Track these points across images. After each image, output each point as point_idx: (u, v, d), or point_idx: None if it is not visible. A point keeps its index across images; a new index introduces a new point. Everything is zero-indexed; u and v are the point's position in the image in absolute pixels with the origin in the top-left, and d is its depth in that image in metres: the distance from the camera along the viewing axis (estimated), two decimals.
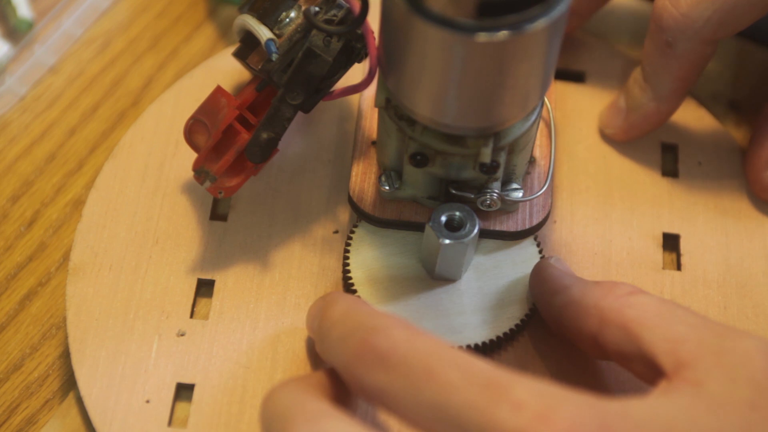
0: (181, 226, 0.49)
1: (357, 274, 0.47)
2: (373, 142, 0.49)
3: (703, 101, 0.55)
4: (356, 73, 0.49)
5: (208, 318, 0.47)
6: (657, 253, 0.50)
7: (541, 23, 0.38)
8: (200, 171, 0.46)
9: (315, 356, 0.46)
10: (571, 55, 0.55)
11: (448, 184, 0.46)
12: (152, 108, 0.53)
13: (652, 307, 0.39)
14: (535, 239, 0.48)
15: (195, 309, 0.48)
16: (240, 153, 0.46)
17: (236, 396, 0.45)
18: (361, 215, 0.48)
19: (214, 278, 0.48)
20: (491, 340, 0.46)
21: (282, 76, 0.44)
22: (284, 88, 0.44)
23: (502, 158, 0.44)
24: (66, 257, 0.50)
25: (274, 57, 0.44)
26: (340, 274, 0.48)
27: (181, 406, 0.45)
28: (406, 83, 0.42)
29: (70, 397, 0.46)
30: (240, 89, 0.49)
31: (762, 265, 0.49)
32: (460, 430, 0.34)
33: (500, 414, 0.34)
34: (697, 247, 0.50)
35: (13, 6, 0.56)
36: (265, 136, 0.45)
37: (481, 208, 0.46)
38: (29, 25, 0.56)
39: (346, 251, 0.47)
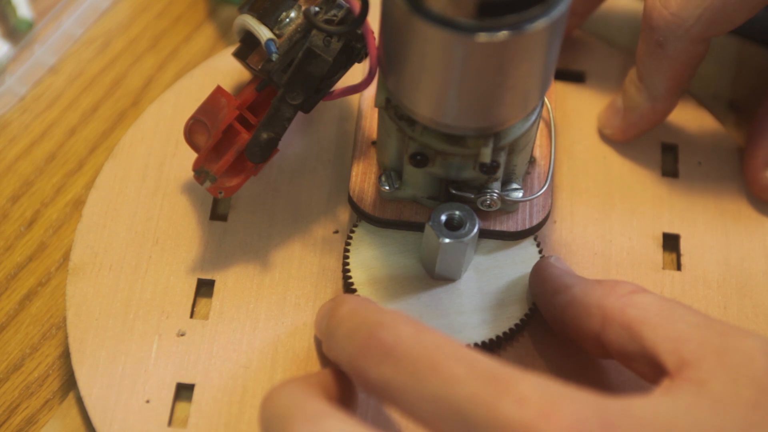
0: (181, 226, 0.49)
1: (357, 274, 0.47)
2: (373, 142, 0.49)
3: (703, 101, 0.55)
4: (356, 73, 0.49)
5: (208, 318, 0.47)
6: (657, 253, 0.50)
7: (541, 23, 0.38)
8: (200, 171, 0.46)
9: (315, 356, 0.46)
10: (571, 55, 0.55)
11: (448, 184, 0.46)
12: (152, 108, 0.53)
13: (654, 306, 0.39)
14: (535, 239, 0.48)
15: (195, 309, 0.48)
16: (240, 153, 0.46)
17: (236, 396, 0.45)
18: (361, 215, 0.48)
19: (214, 278, 0.48)
20: (491, 340, 0.46)
21: (282, 76, 0.44)
22: (284, 88, 0.44)
23: (502, 158, 0.44)
24: (66, 257, 0.50)
25: (274, 57, 0.44)
26: (340, 274, 0.48)
27: (181, 406, 0.45)
28: (406, 83, 0.42)
29: (70, 397, 0.46)
30: (240, 89, 0.49)
31: (762, 265, 0.49)
32: (463, 423, 0.34)
33: (504, 408, 0.34)
34: (697, 247, 0.50)
35: (13, 6, 0.56)
36: (265, 136, 0.45)
37: (481, 208, 0.46)
38: (29, 25, 0.56)
39: (346, 251, 0.47)
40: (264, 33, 0.45)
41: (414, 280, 0.47)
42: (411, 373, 0.35)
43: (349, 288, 0.47)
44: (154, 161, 0.51)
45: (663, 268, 0.49)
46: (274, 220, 0.50)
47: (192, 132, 0.47)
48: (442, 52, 0.39)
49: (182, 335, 0.46)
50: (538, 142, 0.49)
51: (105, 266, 0.48)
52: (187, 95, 0.53)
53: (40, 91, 0.55)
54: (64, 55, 0.56)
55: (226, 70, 0.54)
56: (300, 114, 0.46)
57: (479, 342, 0.45)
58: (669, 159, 0.53)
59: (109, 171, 0.51)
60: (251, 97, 0.46)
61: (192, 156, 0.47)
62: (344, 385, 0.41)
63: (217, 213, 0.50)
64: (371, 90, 0.50)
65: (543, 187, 0.48)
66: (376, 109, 0.48)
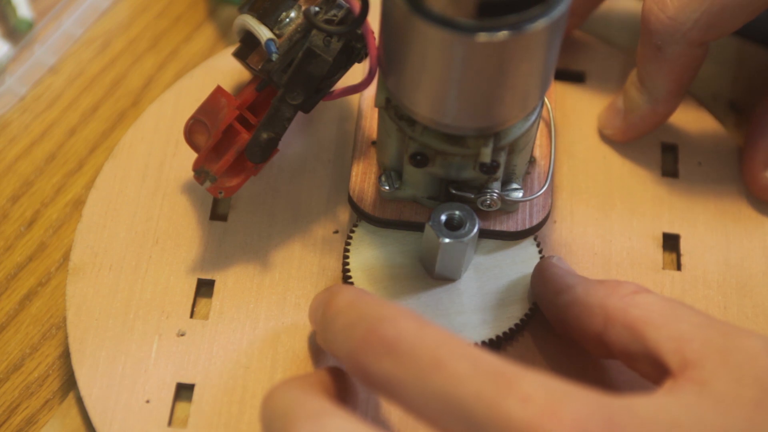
0: (181, 226, 0.49)
1: (357, 274, 0.47)
2: (373, 142, 0.49)
3: (703, 101, 0.55)
4: (356, 73, 0.49)
5: (208, 318, 0.47)
6: (657, 253, 0.50)
7: (541, 23, 0.38)
8: (200, 171, 0.46)
9: (315, 355, 0.46)
10: (571, 55, 0.55)
11: (448, 184, 0.46)
12: (152, 108, 0.53)
13: (657, 306, 0.39)
14: (535, 239, 0.48)
15: (195, 309, 0.48)
16: (240, 153, 0.46)
17: (236, 396, 0.45)
18: (361, 215, 0.48)
19: (214, 278, 0.48)
20: (491, 340, 0.46)
21: (282, 76, 0.44)
22: (284, 88, 0.44)
23: (502, 158, 0.44)
24: (66, 257, 0.50)
25: (274, 57, 0.44)
26: (340, 274, 0.48)
27: (181, 406, 0.45)
28: (406, 83, 0.42)
29: (70, 397, 0.46)
30: (240, 89, 0.49)
31: (762, 264, 0.49)
32: (466, 421, 0.34)
33: (507, 406, 0.34)
34: (697, 247, 0.50)
35: (13, 6, 0.56)
36: (265, 136, 0.45)
37: (481, 208, 0.46)
38: (29, 25, 0.56)
39: (346, 251, 0.47)
40: (264, 33, 0.45)
41: (414, 279, 0.47)
42: (414, 370, 0.35)
43: None
44: (154, 161, 0.51)
45: (663, 268, 0.49)
46: (274, 220, 0.50)
47: (192, 132, 0.47)
48: (442, 52, 0.39)
49: (182, 335, 0.46)
50: (538, 142, 0.49)
51: (105, 266, 0.48)
52: (187, 95, 0.53)
53: (40, 91, 0.55)
54: (64, 55, 0.56)
55: (226, 70, 0.54)
56: (300, 114, 0.46)
57: (479, 342, 0.45)
58: (669, 159, 0.53)
59: (109, 171, 0.51)
60: (251, 97, 0.46)
61: (192, 156, 0.47)
62: (344, 383, 0.41)
63: (217, 213, 0.50)
64: (371, 90, 0.50)
65: (543, 187, 0.48)
66: (376, 109, 0.48)
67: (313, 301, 0.43)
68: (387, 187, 0.47)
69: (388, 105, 0.45)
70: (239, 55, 0.47)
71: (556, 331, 0.45)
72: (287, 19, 0.45)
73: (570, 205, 0.51)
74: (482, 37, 0.38)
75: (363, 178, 0.48)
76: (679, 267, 0.49)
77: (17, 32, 0.56)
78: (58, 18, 0.57)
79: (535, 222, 0.48)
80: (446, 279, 0.47)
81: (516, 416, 0.33)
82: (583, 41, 0.56)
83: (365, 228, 0.48)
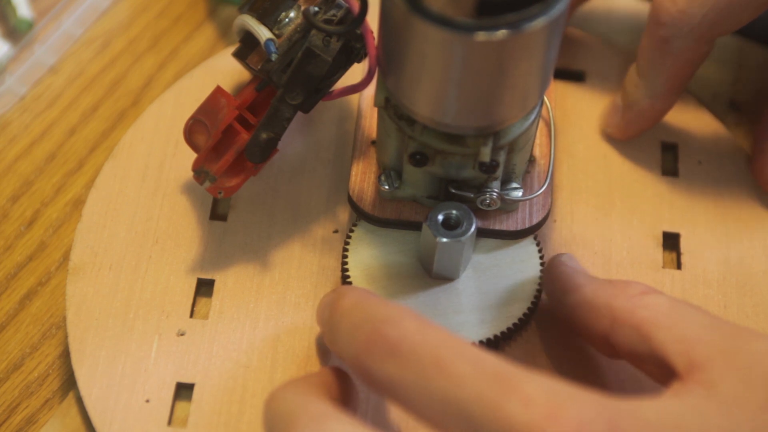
0: (181, 226, 0.49)
1: (355, 273, 0.47)
2: (373, 142, 0.49)
3: (703, 101, 0.55)
4: (356, 72, 0.49)
5: (208, 318, 0.47)
6: (657, 252, 0.50)
7: (540, 22, 0.38)
8: (200, 171, 0.46)
9: (315, 355, 0.46)
10: (571, 55, 0.55)
11: (448, 183, 0.46)
12: (152, 108, 0.53)
13: (664, 307, 0.39)
14: (535, 238, 0.48)
15: (195, 309, 0.48)
16: (240, 153, 0.46)
17: (236, 396, 0.45)
18: (360, 215, 0.48)
19: (213, 278, 0.48)
20: (489, 339, 0.46)
21: (281, 76, 0.44)
22: (284, 88, 0.44)
23: (501, 157, 0.44)
24: (66, 257, 0.50)
25: (274, 57, 0.44)
26: (339, 274, 0.48)
27: (180, 405, 0.45)
28: (406, 83, 0.42)
29: (70, 397, 0.46)
30: (240, 89, 0.49)
31: (762, 263, 0.49)
32: (468, 422, 0.34)
33: (509, 408, 0.33)
34: (697, 246, 0.50)
35: (13, 6, 0.56)
36: (264, 136, 0.45)
37: (481, 207, 0.46)
38: (29, 25, 0.56)
39: (345, 250, 0.47)
40: (263, 33, 0.45)
41: (413, 279, 0.47)
42: (416, 372, 0.35)
43: None
44: (154, 161, 0.51)
45: (663, 267, 0.49)
46: (274, 220, 0.50)
47: (192, 132, 0.47)
48: (441, 51, 0.39)
49: (182, 335, 0.46)
50: (537, 141, 0.49)
51: (105, 266, 0.48)
52: (187, 95, 0.53)
53: (40, 90, 0.55)
54: (64, 55, 0.56)
55: (226, 70, 0.54)
56: (300, 114, 0.46)
57: (477, 341, 0.45)
58: (669, 158, 0.53)
59: (109, 171, 0.51)
60: (251, 97, 0.47)
61: (192, 156, 0.47)
62: (345, 385, 0.41)
63: (216, 213, 0.50)
64: (371, 90, 0.50)
65: (543, 187, 0.48)
66: (376, 109, 0.48)
67: (320, 303, 0.43)
68: (387, 187, 0.47)
69: (388, 104, 0.45)
70: (239, 55, 0.47)
71: (566, 329, 0.45)
72: (287, 19, 0.45)
73: (570, 204, 0.51)
74: (481, 36, 0.38)
75: (362, 177, 0.48)
76: (679, 266, 0.49)
77: (17, 32, 0.56)
78: (58, 18, 0.57)
79: (534, 221, 0.48)
80: (445, 278, 0.47)
81: (517, 419, 0.33)
82: (583, 41, 0.56)
83: (364, 227, 0.48)
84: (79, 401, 0.46)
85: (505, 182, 0.47)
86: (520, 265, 0.47)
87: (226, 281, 0.48)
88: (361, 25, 0.43)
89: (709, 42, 0.47)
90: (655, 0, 0.47)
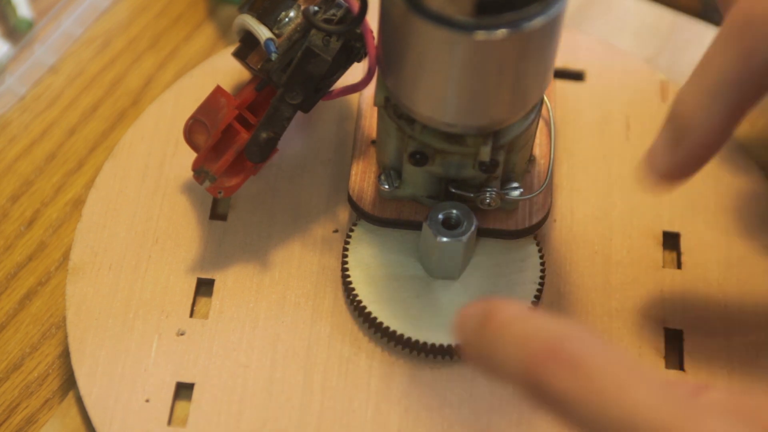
0: (180, 226, 0.49)
1: (355, 273, 0.47)
2: (373, 142, 0.49)
3: None
4: (355, 72, 0.49)
5: (208, 317, 0.47)
6: (657, 252, 0.49)
7: (539, 21, 0.38)
8: (200, 171, 0.46)
9: (315, 355, 0.46)
10: (571, 55, 0.55)
11: (448, 183, 0.46)
12: (152, 108, 0.53)
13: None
14: (535, 238, 0.48)
15: (195, 308, 0.48)
16: (239, 153, 0.46)
17: (236, 395, 0.45)
18: (360, 214, 0.48)
19: (213, 277, 0.48)
20: None
21: (281, 75, 0.44)
22: (283, 87, 0.44)
23: (501, 157, 0.44)
24: (66, 257, 0.50)
25: (274, 56, 0.44)
26: (339, 273, 0.48)
27: (180, 405, 0.45)
28: (405, 82, 0.42)
29: (70, 397, 0.46)
30: (240, 89, 0.49)
31: (762, 263, 0.49)
32: None
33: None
34: (698, 246, 0.50)
35: (13, 6, 0.56)
36: (264, 135, 0.45)
37: (481, 206, 0.46)
38: (29, 25, 0.56)
39: (345, 250, 0.47)
40: (263, 33, 0.45)
41: (413, 279, 0.47)
42: (596, 391, 0.33)
43: (347, 287, 0.47)
44: (154, 161, 0.51)
45: (663, 267, 0.49)
46: (274, 219, 0.50)
47: (192, 132, 0.47)
48: (440, 50, 0.39)
49: (182, 334, 0.46)
50: (537, 140, 0.49)
51: (105, 266, 0.48)
52: (187, 95, 0.53)
53: (40, 90, 0.55)
54: (64, 54, 0.56)
55: (225, 70, 0.54)
56: (299, 113, 0.46)
57: None
58: None
59: (109, 171, 0.51)
60: (251, 97, 0.47)
61: (192, 156, 0.47)
62: None
63: (216, 213, 0.50)
64: (370, 89, 0.50)
65: (542, 186, 0.48)
66: (376, 109, 0.48)
67: (460, 315, 0.38)
68: (386, 187, 0.47)
69: (388, 104, 0.45)
70: (239, 54, 0.47)
71: None
72: (286, 19, 0.45)
73: (570, 203, 0.51)
74: (480, 35, 0.38)
75: (362, 177, 0.48)
76: (679, 265, 0.49)
77: (17, 32, 0.56)
78: (58, 18, 0.57)
79: (534, 221, 0.47)
80: (445, 278, 0.47)
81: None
82: (583, 41, 0.56)
83: (364, 227, 0.48)
84: (79, 401, 0.46)
85: (505, 182, 0.47)
86: (520, 265, 0.47)
87: (226, 281, 0.48)
88: (361, 25, 0.43)
89: None
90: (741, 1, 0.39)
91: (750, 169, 0.52)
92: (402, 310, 0.46)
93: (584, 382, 0.33)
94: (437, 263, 0.46)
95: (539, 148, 0.49)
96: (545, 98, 0.50)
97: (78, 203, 0.52)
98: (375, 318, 0.46)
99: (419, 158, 0.44)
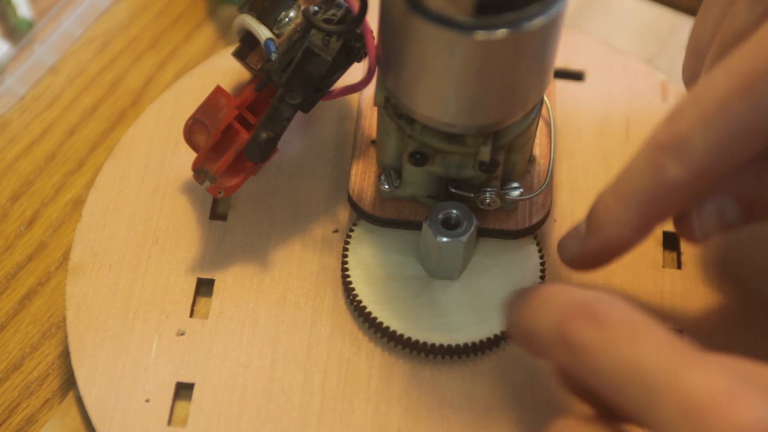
0: (180, 226, 0.49)
1: (355, 273, 0.47)
2: (373, 141, 0.49)
3: None
4: (355, 72, 0.49)
5: (208, 317, 0.47)
6: (657, 252, 0.49)
7: (539, 21, 0.38)
8: (200, 171, 0.46)
9: (315, 355, 0.46)
10: (571, 55, 0.55)
11: (448, 183, 0.46)
12: (152, 108, 0.53)
13: None
14: (535, 238, 0.48)
15: (195, 308, 0.48)
16: (239, 153, 0.46)
17: (236, 395, 0.45)
18: (360, 214, 0.48)
19: (213, 277, 0.48)
20: (489, 339, 0.46)
21: (281, 75, 0.44)
22: (283, 87, 0.44)
23: (501, 157, 0.44)
24: (66, 257, 0.50)
25: (274, 56, 0.44)
26: (339, 273, 0.48)
27: (180, 405, 0.45)
28: (405, 82, 0.42)
29: (70, 397, 0.46)
30: (240, 89, 0.49)
31: (763, 263, 0.49)
32: (645, 388, 0.34)
33: (689, 380, 0.34)
34: (697, 246, 0.50)
35: (13, 6, 0.56)
36: (264, 135, 0.45)
37: (481, 206, 0.46)
38: (29, 25, 0.56)
39: (345, 250, 0.47)
40: (263, 33, 0.45)
41: (413, 278, 0.47)
42: (610, 338, 0.36)
43: (347, 286, 0.47)
44: (154, 161, 0.51)
45: (663, 267, 0.49)
46: (274, 219, 0.50)
47: (192, 132, 0.47)
48: (440, 50, 0.39)
49: (182, 334, 0.46)
50: (537, 140, 0.49)
51: (105, 266, 0.48)
52: (187, 95, 0.53)
53: (40, 90, 0.55)
54: (64, 54, 0.56)
55: (226, 70, 0.54)
56: (299, 113, 0.46)
57: (476, 341, 0.45)
58: None
59: (109, 171, 0.51)
60: (251, 97, 0.47)
61: (192, 156, 0.47)
62: None
63: (216, 213, 0.50)
64: (370, 89, 0.50)
65: (542, 186, 0.48)
66: (376, 108, 0.48)
67: (510, 296, 0.41)
68: (386, 187, 0.47)
69: (387, 104, 0.45)
70: (239, 54, 0.47)
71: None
72: (286, 19, 0.45)
73: (570, 203, 0.51)
74: (480, 35, 0.38)
75: (362, 177, 0.48)
76: (679, 265, 0.49)
77: (17, 32, 0.56)
78: (58, 18, 0.57)
79: (534, 221, 0.48)
80: (445, 278, 0.47)
81: (695, 390, 0.33)
82: (583, 41, 0.56)
83: (364, 227, 0.48)
84: (79, 401, 0.46)
85: (505, 182, 0.47)
86: (520, 265, 0.47)
87: (226, 281, 0.48)
88: (361, 25, 0.43)
89: (711, 181, 0.40)
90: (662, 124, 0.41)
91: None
92: (402, 310, 0.46)
93: (601, 331, 0.36)
94: (437, 263, 0.46)
95: (539, 148, 0.49)
96: (545, 98, 0.50)
97: (78, 203, 0.52)
98: (375, 318, 0.46)
99: (419, 158, 0.44)
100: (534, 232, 0.48)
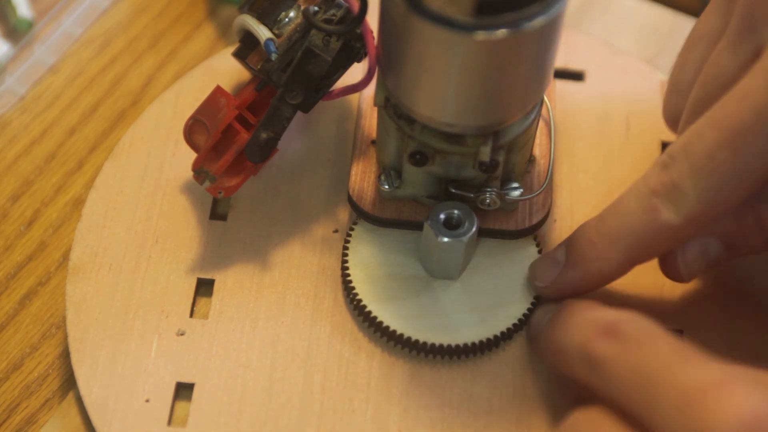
0: (180, 226, 0.49)
1: (355, 273, 0.47)
2: (373, 141, 0.49)
3: None
4: (355, 72, 0.49)
5: (208, 317, 0.47)
6: None
7: (539, 21, 0.38)
8: (200, 171, 0.46)
9: (315, 355, 0.46)
10: (571, 55, 0.55)
11: (448, 183, 0.46)
12: (152, 108, 0.53)
13: None
14: (535, 238, 0.48)
15: (195, 308, 0.48)
16: (239, 153, 0.46)
17: (236, 395, 0.45)
18: (360, 214, 0.48)
19: (213, 277, 0.48)
20: (489, 339, 0.46)
21: (281, 75, 0.44)
22: (283, 87, 0.44)
23: (501, 157, 0.44)
24: (66, 257, 0.50)
25: (274, 57, 0.44)
26: (339, 273, 0.48)
27: (180, 405, 0.45)
28: (405, 82, 0.42)
29: (70, 397, 0.46)
30: (240, 89, 0.49)
31: (762, 263, 0.49)
32: (647, 388, 0.36)
33: (685, 372, 0.36)
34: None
35: (13, 5, 0.56)
36: (264, 135, 0.45)
37: (481, 207, 0.46)
38: (29, 25, 0.56)
39: (345, 250, 0.47)
40: (263, 33, 0.45)
41: (413, 278, 0.47)
42: (621, 348, 0.38)
43: (347, 286, 0.47)
44: (154, 161, 0.51)
45: None
46: (274, 219, 0.50)
47: (192, 132, 0.47)
48: (440, 50, 0.39)
49: (182, 334, 0.46)
50: (537, 140, 0.49)
51: (105, 266, 0.48)
52: (187, 95, 0.53)
53: (40, 90, 0.55)
54: (64, 54, 0.56)
55: (225, 70, 0.54)
56: (299, 114, 0.46)
57: (476, 341, 0.45)
58: None
59: (109, 171, 0.51)
60: (251, 97, 0.47)
61: (192, 156, 0.47)
62: None
63: (216, 213, 0.50)
64: (370, 89, 0.50)
65: (542, 186, 0.48)
66: (376, 109, 0.48)
67: (536, 312, 0.46)
68: (386, 187, 0.47)
69: (387, 104, 0.45)
70: (239, 54, 0.47)
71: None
72: (286, 19, 0.45)
73: (570, 204, 0.51)
74: (480, 35, 0.38)
75: (362, 177, 0.48)
76: None
77: (17, 32, 0.56)
78: (58, 18, 0.57)
79: (534, 221, 0.48)
80: (445, 278, 0.47)
81: (690, 381, 0.35)
82: (583, 41, 0.56)
83: (364, 227, 0.48)
84: (79, 401, 0.46)
85: (505, 182, 0.47)
86: (520, 265, 0.47)
87: (226, 281, 0.48)
88: (361, 25, 0.43)
89: (702, 226, 0.42)
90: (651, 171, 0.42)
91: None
92: (402, 310, 0.46)
93: (616, 343, 0.39)
94: (438, 263, 0.46)
95: (539, 148, 0.49)
96: (545, 98, 0.50)
97: (78, 203, 0.52)
98: (375, 318, 0.46)
99: (419, 158, 0.44)
100: (534, 232, 0.48)
